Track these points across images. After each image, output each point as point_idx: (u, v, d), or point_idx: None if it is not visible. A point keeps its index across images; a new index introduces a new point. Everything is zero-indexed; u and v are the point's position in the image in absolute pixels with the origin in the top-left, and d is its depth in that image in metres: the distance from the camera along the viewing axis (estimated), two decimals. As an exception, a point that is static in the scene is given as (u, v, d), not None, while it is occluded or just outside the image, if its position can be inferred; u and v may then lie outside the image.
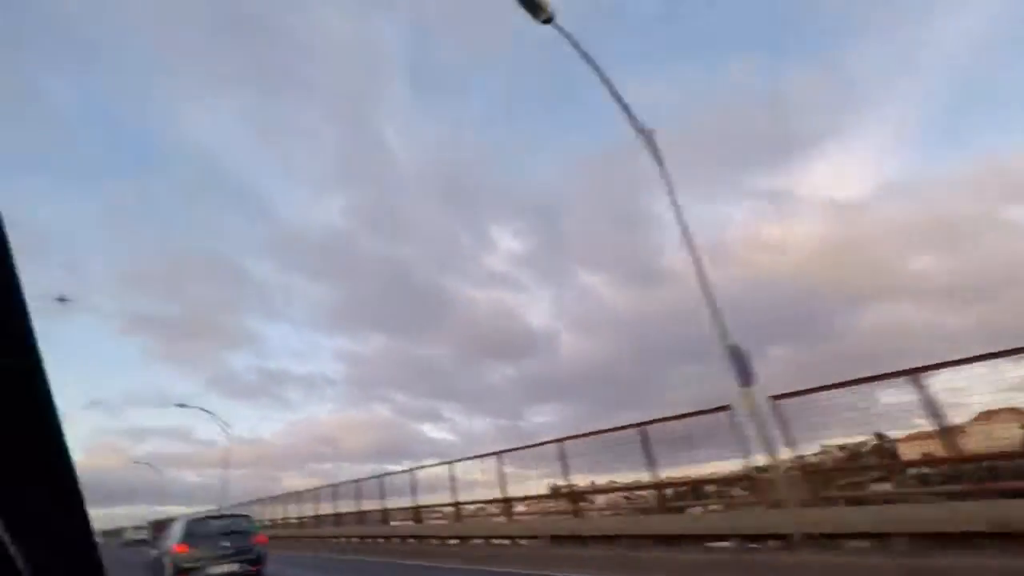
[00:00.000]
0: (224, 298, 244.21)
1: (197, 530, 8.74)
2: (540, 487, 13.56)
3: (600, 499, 12.71)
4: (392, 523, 17.58)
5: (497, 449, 13.62)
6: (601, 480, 12.14)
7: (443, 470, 15.07)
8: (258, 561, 8.74)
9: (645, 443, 9.62)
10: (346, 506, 20.40)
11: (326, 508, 22.02)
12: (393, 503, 17.72)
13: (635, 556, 8.69)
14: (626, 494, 11.46)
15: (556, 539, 10.91)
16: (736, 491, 9.72)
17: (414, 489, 16.44)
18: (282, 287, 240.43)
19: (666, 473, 9.68)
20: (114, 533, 61.66)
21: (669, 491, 10.01)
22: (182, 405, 30.28)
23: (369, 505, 19.03)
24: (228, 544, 8.48)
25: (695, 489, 10.50)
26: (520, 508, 13.48)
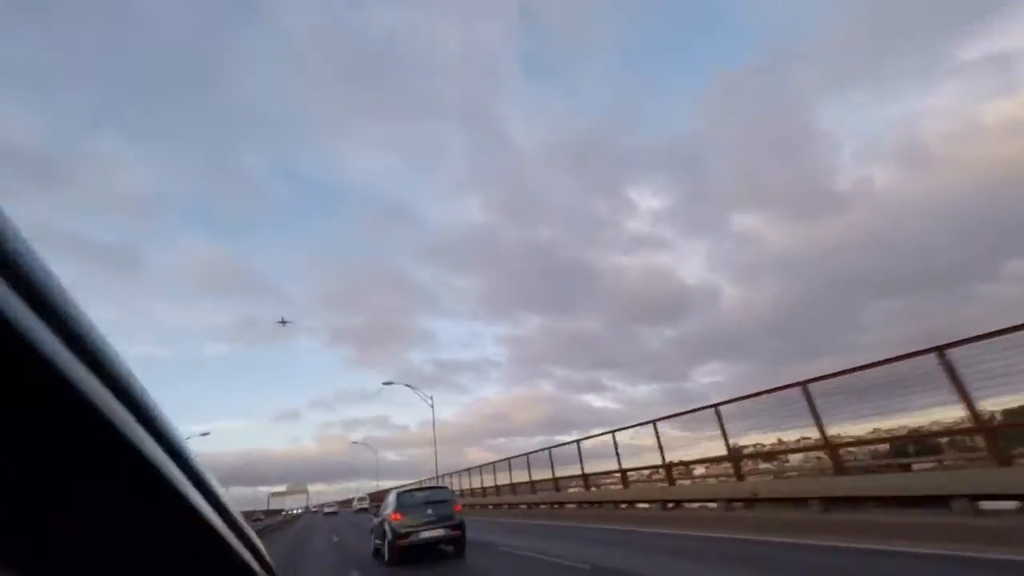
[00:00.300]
0: (397, 305, 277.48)
1: (406, 501, 9.81)
2: (710, 450, 12.89)
3: (777, 461, 11.66)
4: (567, 490, 18.41)
5: (658, 415, 13.36)
6: (772, 440, 11.09)
7: (608, 439, 15.25)
8: (459, 527, 9.58)
9: (810, 401, 8.58)
10: (520, 476, 21.93)
11: (503, 479, 23.97)
12: (562, 472, 18.59)
13: (826, 519, 7.84)
14: (810, 453, 10.32)
15: (731, 502, 10.38)
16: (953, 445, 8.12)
17: (581, 458, 17.02)
18: (441, 286, 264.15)
19: (868, 426, 8.40)
20: (346, 503, 75.85)
21: (859, 449, 8.77)
22: (388, 383, 31.96)
23: (540, 475, 20.23)
24: (431, 512, 9.44)
25: (901, 446, 8.99)
26: (699, 471, 13.03)
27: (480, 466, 27.91)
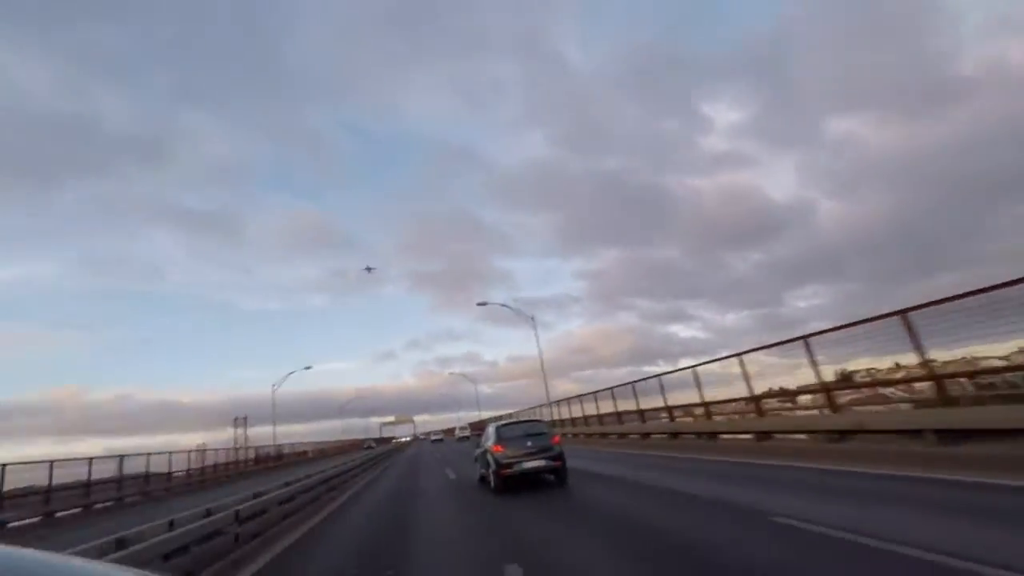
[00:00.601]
0: (472, 248, 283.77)
1: (505, 433, 10.16)
2: (809, 378, 12.02)
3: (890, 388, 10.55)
4: (654, 421, 18.52)
5: (751, 343, 12.74)
6: (888, 363, 9.96)
7: (700, 368, 14.82)
8: (559, 458, 9.84)
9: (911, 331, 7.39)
10: (606, 407, 22.28)
11: (590, 409, 24.58)
12: (648, 403, 18.59)
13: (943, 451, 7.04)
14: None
15: (831, 434, 9.71)
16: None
17: (663, 389, 16.89)
18: (514, 225, 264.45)
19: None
20: (449, 431, 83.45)
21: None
22: (483, 303, 31.98)
23: (625, 406, 20.39)
24: (531, 444, 9.75)
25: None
26: (804, 399, 12.30)
27: (568, 399, 28.79)
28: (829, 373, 11.31)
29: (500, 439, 10.01)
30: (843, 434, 9.46)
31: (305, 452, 52.63)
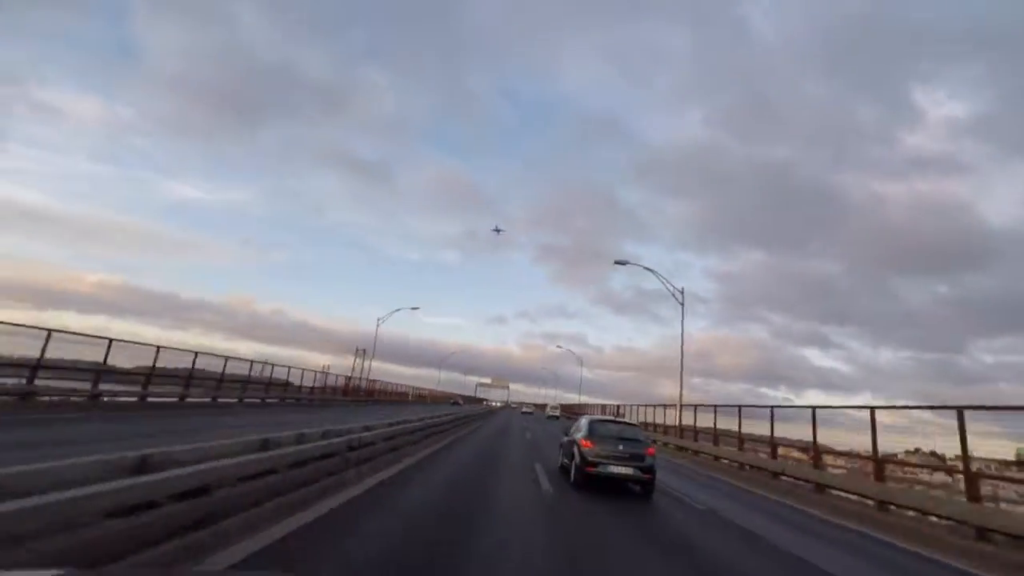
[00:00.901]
0: (603, 226, 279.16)
1: (598, 430, 9.75)
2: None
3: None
4: (749, 453, 17.14)
5: (909, 389, 11.10)
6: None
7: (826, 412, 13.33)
8: (650, 471, 9.28)
9: None
10: (704, 422, 20.93)
11: (687, 420, 23.41)
12: (750, 429, 17.23)
13: None
14: None
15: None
16: None
17: (773, 420, 15.38)
18: (651, 209, 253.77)
19: None
20: (541, 406, 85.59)
21: None
22: (622, 262, 27.61)
23: (725, 425, 19.07)
24: (623, 449, 9.30)
25: None
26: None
27: (665, 405, 27.73)
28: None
29: (591, 434, 9.63)
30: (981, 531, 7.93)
31: (406, 394, 57.69)
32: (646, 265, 27.56)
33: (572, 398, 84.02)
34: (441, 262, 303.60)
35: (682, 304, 26.16)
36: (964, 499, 8.64)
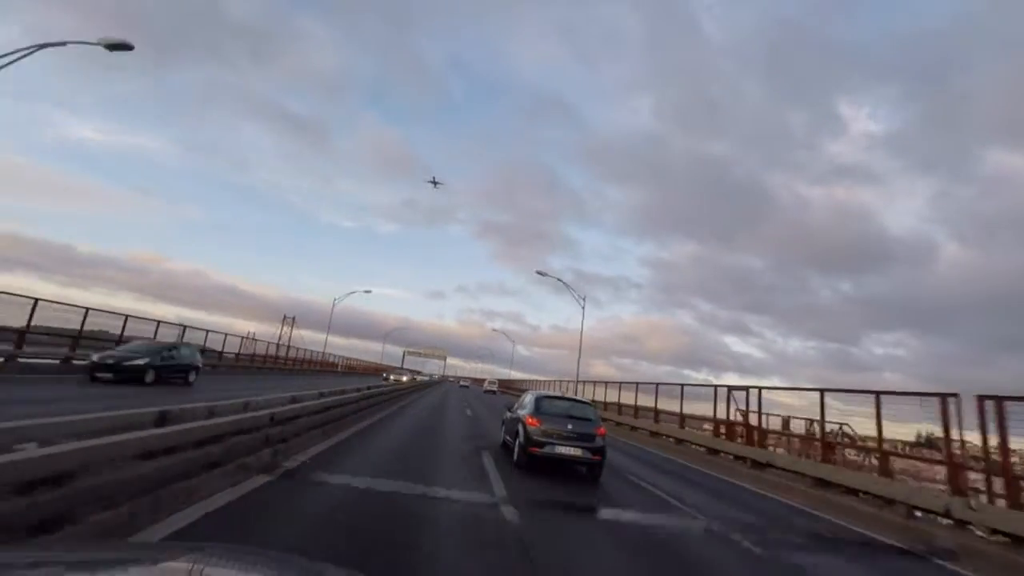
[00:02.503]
0: (546, 207, 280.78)
1: (545, 408, 9.09)
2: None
3: None
4: (690, 430, 17.63)
5: (812, 375, 11.50)
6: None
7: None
8: (600, 452, 8.70)
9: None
10: (644, 402, 21.55)
11: (626, 399, 23.89)
12: (689, 409, 17.72)
13: None
14: None
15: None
16: None
17: (716, 400, 15.73)
18: (594, 194, 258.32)
19: None
20: (478, 381, 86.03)
21: None
22: (542, 273, 32.16)
23: (665, 406, 19.58)
24: (572, 428, 8.63)
25: None
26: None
27: (607, 381, 28.28)
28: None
29: (538, 412, 8.91)
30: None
31: (335, 365, 54.99)
32: (559, 276, 33.11)
33: (508, 374, 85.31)
34: (378, 232, 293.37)
35: (583, 308, 31.31)
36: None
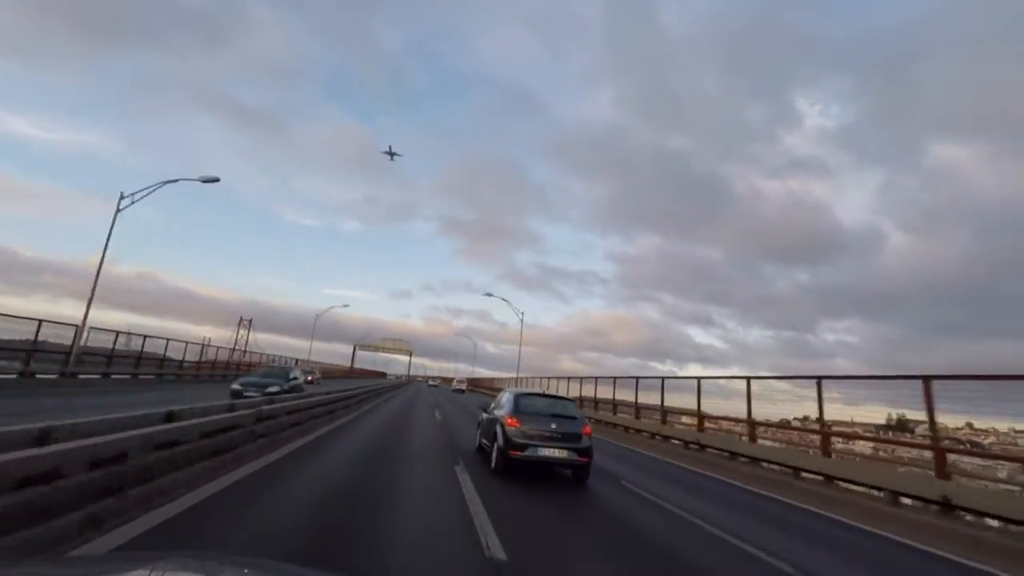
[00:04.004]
0: (510, 202, 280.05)
1: (526, 407, 8.41)
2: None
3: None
4: (674, 425, 17.45)
5: (769, 363, 11.58)
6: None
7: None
8: (586, 453, 8.03)
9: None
10: (605, 394, 21.96)
11: (603, 395, 23.54)
12: (670, 402, 17.51)
13: None
14: None
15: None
16: None
17: (700, 393, 15.74)
18: (559, 188, 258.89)
19: None
20: (447, 380, 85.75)
21: None
22: (488, 295, 45.63)
23: (622, 396, 20.11)
24: (555, 428, 7.98)
25: None
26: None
27: (569, 377, 28.08)
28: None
29: (517, 411, 8.20)
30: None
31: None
32: (504, 298, 35.89)
33: (477, 372, 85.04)
34: (341, 231, 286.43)
35: (521, 321, 37.30)
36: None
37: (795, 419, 14.92)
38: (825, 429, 10.96)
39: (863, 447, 11.62)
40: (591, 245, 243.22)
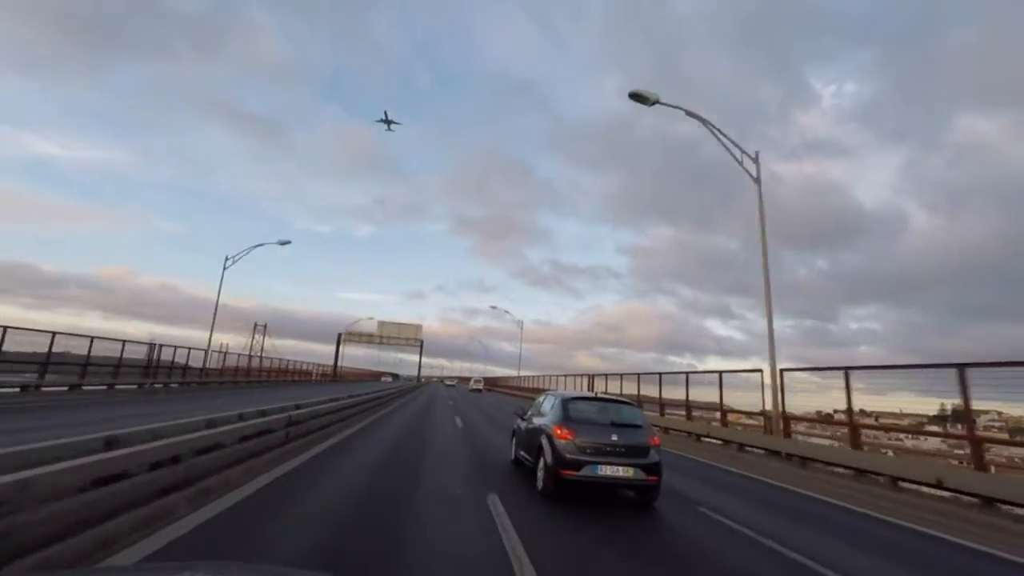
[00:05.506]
0: (520, 198, 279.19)
1: (579, 413, 6.83)
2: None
3: None
4: (700, 421, 17.14)
5: (789, 353, 11.32)
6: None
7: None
8: (655, 471, 6.39)
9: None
10: (647, 392, 21.09)
11: (613, 388, 23.20)
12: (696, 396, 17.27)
13: None
14: None
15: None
16: None
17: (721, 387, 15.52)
18: (567, 182, 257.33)
19: None
20: (464, 380, 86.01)
21: None
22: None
23: (670, 394, 19.21)
24: (618, 440, 6.40)
25: None
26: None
27: (592, 374, 27.73)
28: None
29: (567, 420, 6.65)
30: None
31: (310, 373, 53.10)
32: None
33: (494, 371, 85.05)
34: (355, 236, 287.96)
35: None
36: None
37: (834, 411, 14.53)
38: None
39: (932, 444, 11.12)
40: (602, 238, 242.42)
